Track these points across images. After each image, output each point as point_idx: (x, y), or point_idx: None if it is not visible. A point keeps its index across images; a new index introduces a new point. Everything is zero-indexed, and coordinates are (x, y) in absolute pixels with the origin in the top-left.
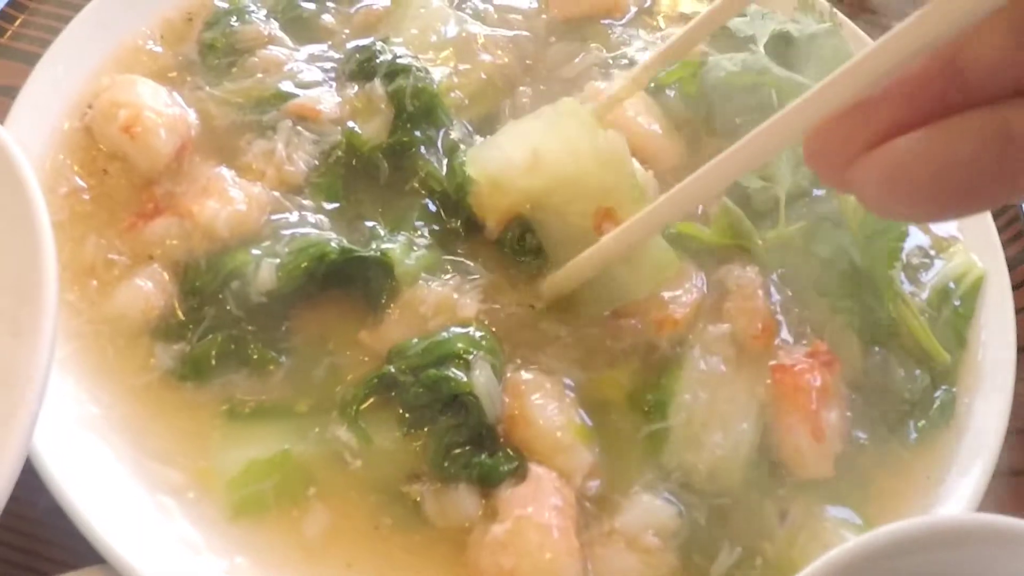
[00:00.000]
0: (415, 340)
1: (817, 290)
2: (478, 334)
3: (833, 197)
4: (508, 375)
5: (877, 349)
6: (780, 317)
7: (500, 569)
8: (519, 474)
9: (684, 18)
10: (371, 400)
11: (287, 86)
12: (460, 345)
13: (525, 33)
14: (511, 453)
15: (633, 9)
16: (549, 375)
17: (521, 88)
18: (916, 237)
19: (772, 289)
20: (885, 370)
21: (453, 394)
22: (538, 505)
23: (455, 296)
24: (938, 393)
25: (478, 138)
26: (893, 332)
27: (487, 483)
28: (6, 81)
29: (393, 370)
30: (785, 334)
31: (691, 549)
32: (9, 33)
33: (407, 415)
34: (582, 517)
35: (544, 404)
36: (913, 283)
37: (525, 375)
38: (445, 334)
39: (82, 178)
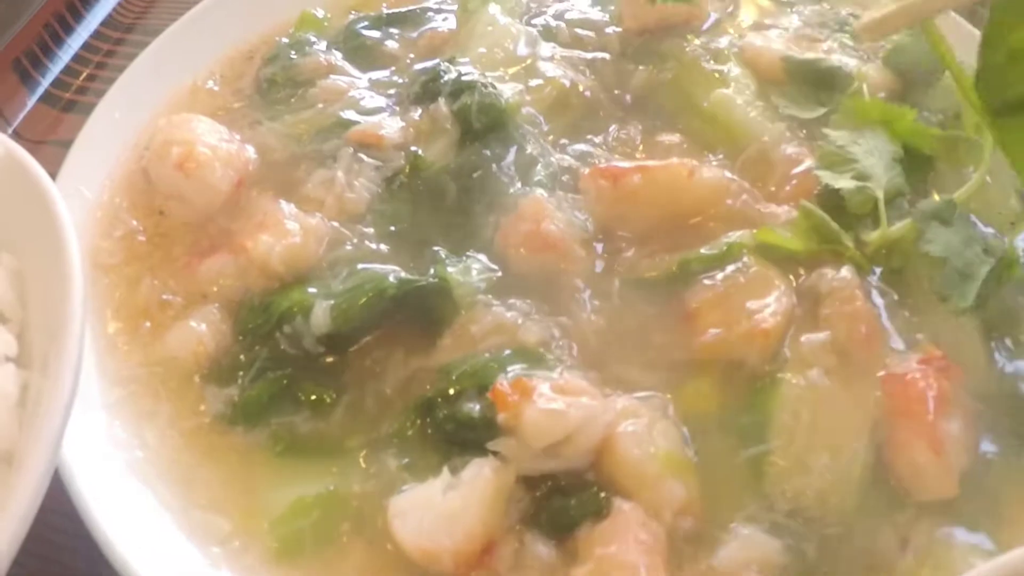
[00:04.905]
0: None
1: (935, 292)
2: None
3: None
4: None
5: (1004, 355)
6: (887, 323)
7: None
8: (601, 513)
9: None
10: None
11: (349, 115)
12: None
13: (602, 55)
14: (591, 490)
15: (713, 16)
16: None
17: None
18: None
19: (874, 294)
20: (1015, 376)
21: None
22: (622, 542)
23: (519, 319)
24: None
25: (556, 152)
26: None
27: (561, 528)
28: (70, 135)
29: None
30: (895, 343)
31: None
32: (74, 87)
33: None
34: (674, 558)
35: (629, 431)
36: None
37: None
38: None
39: (138, 220)
